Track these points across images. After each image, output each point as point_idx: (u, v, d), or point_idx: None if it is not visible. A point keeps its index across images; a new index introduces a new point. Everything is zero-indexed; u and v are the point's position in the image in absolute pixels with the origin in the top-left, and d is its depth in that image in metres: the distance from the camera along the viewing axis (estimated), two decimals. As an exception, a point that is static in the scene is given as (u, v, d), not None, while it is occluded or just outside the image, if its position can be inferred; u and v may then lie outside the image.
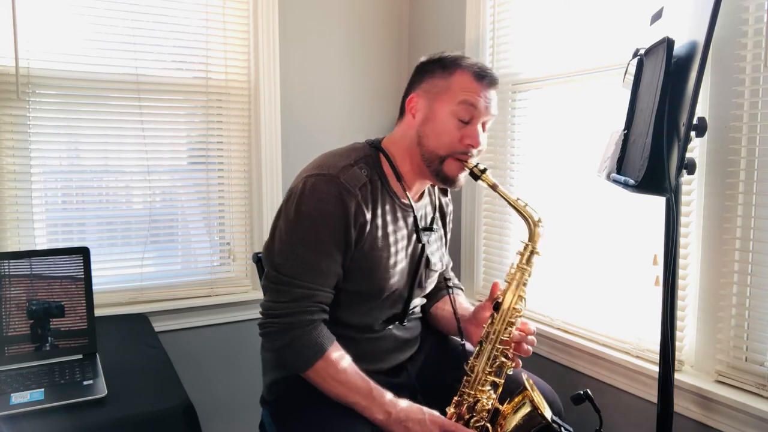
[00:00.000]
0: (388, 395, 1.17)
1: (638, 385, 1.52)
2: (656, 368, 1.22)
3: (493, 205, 2.06)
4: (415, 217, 1.33)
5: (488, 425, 1.18)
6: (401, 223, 1.31)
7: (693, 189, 1.37)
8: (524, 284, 1.23)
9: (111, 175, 2.00)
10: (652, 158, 1.02)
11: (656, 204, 1.28)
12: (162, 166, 2.07)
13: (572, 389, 1.72)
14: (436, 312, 1.49)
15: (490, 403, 1.20)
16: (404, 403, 1.16)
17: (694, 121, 1.02)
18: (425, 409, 1.15)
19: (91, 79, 1.92)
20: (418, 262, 1.34)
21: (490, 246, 2.08)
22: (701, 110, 1.32)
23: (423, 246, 1.34)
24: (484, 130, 1.28)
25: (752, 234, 1.28)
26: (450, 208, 1.53)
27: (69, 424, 1.15)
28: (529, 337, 1.26)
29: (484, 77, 1.25)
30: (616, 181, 1.13)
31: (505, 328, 1.22)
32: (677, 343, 1.34)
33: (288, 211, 1.22)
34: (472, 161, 1.26)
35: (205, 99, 2.11)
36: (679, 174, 1.04)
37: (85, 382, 1.30)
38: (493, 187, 1.23)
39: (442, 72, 1.27)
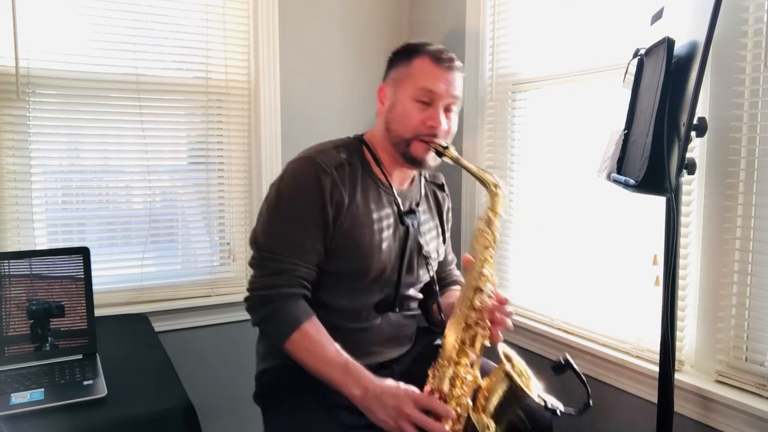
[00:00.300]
0: (365, 371, 1.17)
1: (638, 385, 1.52)
2: (656, 368, 1.22)
3: (493, 205, 2.05)
4: (396, 201, 1.36)
5: (468, 401, 1.14)
6: (386, 206, 1.35)
7: (693, 189, 1.37)
8: (488, 248, 1.22)
9: (111, 175, 2.00)
10: (652, 158, 1.02)
11: (656, 204, 1.28)
12: (162, 166, 2.07)
13: (572, 389, 1.73)
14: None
15: (469, 377, 1.16)
16: (381, 380, 1.15)
17: (695, 121, 1.02)
18: (402, 384, 1.13)
19: (91, 79, 1.92)
20: (404, 245, 1.35)
21: (490, 246, 2.08)
22: (701, 110, 1.32)
23: (408, 229, 1.36)
24: (449, 113, 1.32)
25: (752, 234, 1.28)
26: (447, 203, 1.54)
27: (69, 424, 1.15)
28: (505, 307, 1.22)
29: (442, 61, 1.29)
30: (616, 181, 1.13)
31: (474, 294, 1.20)
32: (677, 343, 1.34)
33: (270, 193, 1.32)
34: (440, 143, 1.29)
35: (205, 99, 2.11)
36: (679, 174, 1.04)
37: (85, 382, 1.30)
38: (456, 160, 1.27)
39: (405, 60, 1.34)
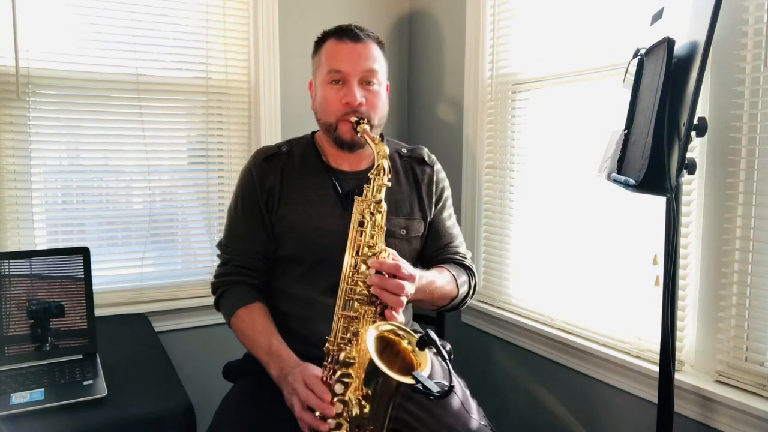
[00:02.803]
0: (286, 354, 1.19)
1: (638, 385, 1.52)
2: (656, 368, 1.22)
3: (493, 205, 2.06)
4: (334, 185, 1.36)
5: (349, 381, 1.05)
6: (327, 190, 1.36)
7: (693, 189, 1.37)
8: (373, 212, 1.16)
9: (111, 175, 2.00)
10: (652, 158, 1.02)
11: (656, 204, 1.28)
12: (162, 166, 2.07)
13: (572, 390, 1.73)
14: None
15: (350, 360, 1.07)
16: (297, 362, 1.16)
17: (695, 121, 1.02)
18: (305, 363, 1.13)
19: (91, 79, 1.92)
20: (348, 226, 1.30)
21: (491, 246, 2.08)
22: (701, 110, 1.32)
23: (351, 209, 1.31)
24: (369, 86, 1.30)
25: (752, 234, 1.28)
26: (435, 177, 1.46)
27: (69, 424, 1.15)
28: (392, 281, 1.09)
29: (344, 35, 1.30)
30: (616, 181, 1.13)
31: (352, 270, 1.13)
32: (677, 343, 1.34)
33: None
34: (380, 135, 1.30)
35: (205, 99, 2.11)
36: (679, 174, 1.04)
37: (85, 382, 1.30)
38: (363, 132, 1.26)
39: (316, 49, 1.37)
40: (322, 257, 1.30)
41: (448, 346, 1.48)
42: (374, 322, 1.10)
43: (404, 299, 1.11)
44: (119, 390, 1.28)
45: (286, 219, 1.35)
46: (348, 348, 1.09)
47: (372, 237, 1.16)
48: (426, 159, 1.48)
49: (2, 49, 1.78)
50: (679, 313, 1.34)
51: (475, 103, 2.08)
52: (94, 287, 1.51)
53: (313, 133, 1.47)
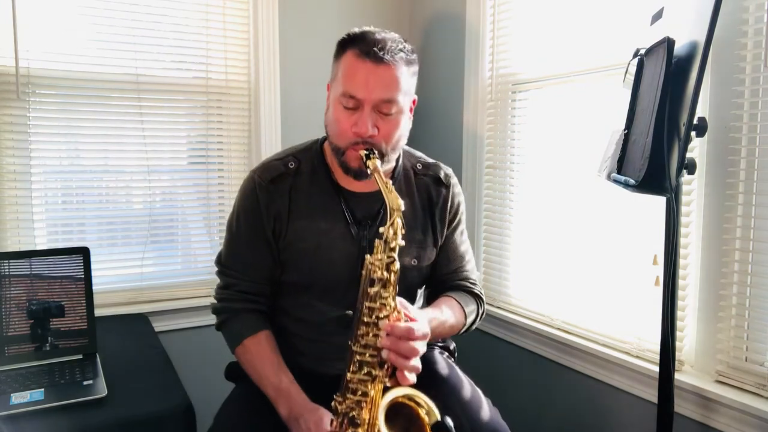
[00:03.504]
0: (295, 392, 1.14)
1: (638, 385, 1.52)
2: (656, 368, 1.22)
3: (493, 205, 2.06)
4: (344, 212, 1.25)
5: None
6: (337, 215, 1.25)
7: (693, 189, 1.37)
8: (385, 272, 1.04)
9: (111, 175, 2.00)
10: (652, 158, 1.02)
11: (656, 204, 1.28)
12: (162, 166, 2.07)
13: (572, 389, 1.73)
14: None
15: (362, 417, 1.03)
16: (307, 403, 1.12)
17: (695, 121, 1.02)
18: (319, 411, 1.09)
19: (91, 79, 1.92)
20: (359, 254, 1.22)
21: (490, 246, 2.08)
22: (701, 110, 1.32)
23: (360, 241, 1.24)
24: (386, 115, 1.14)
25: (752, 234, 1.28)
26: (450, 199, 1.34)
27: (69, 424, 1.15)
28: (404, 344, 1.00)
29: (367, 53, 1.12)
30: (616, 181, 1.13)
31: (368, 323, 1.04)
32: (677, 343, 1.34)
33: None
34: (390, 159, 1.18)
35: (205, 99, 2.11)
36: (679, 174, 1.04)
37: (85, 382, 1.30)
38: (375, 171, 1.10)
39: (338, 54, 1.20)
40: (331, 285, 1.25)
41: (452, 345, 1.48)
42: (386, 388, 1.04)
43: (418, 363, 1.03)
44: (119, 390, 1.28)
45: (294, 245, 1.24)
46: (358, 410, 1.03)
47: (383, 297, 1.04)
48: (443, 179, 1.34)
49: (2, 49, 1.78)
50: (679, 313, 1.34)
51: (475, 103, 2.08)
52: (94, 287, 1.51)
53: (323, 141, 1.31)
